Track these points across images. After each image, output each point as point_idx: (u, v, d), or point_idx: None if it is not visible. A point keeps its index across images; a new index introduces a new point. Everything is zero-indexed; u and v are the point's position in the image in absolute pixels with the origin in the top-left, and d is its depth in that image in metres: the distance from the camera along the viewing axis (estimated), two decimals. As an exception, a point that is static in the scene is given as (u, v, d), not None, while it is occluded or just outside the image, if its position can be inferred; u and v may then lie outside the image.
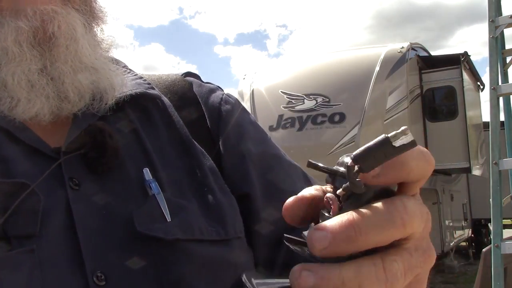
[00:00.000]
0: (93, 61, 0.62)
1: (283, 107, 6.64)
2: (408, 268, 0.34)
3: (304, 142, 6.34)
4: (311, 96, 6.57)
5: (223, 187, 0.66)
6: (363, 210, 0.33)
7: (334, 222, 0.33)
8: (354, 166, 0.35)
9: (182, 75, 0.78)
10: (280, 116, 6.59)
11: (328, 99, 6.47)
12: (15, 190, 0.52)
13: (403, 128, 0.34)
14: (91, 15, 0.66)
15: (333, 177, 0.38)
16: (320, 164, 0.38)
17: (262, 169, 0.70)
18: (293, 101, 6.65)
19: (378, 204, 0.34)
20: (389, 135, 0.34)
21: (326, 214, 0.36)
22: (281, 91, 6.75)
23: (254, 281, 0.37)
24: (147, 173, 0.61)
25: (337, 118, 6.34)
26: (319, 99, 6.52)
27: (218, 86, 0.78)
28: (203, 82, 0.77)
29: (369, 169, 0.35)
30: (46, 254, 0.51)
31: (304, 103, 6.59)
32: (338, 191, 0.36)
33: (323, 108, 6.46)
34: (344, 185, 0.36)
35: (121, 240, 0.56)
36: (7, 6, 0.58)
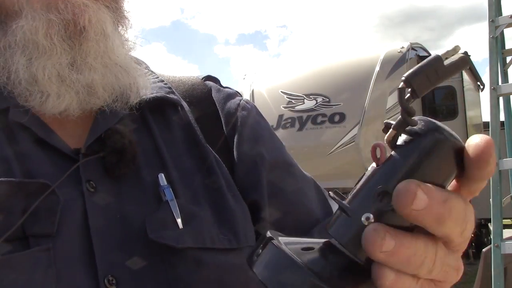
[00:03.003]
0: (122, 60, 0.62)
1: (283, 107, 6.64)
2: (438, 263, 0.35)
3: (304, 142, 6.33)
4: (311, 96, 6.56)
5: (236, 195, 0.65)
6: (454, 197, 0.33)
7: (436, 190, 0.32)
8: (406, 89, 0.33)
9: (202, 78, 0.77)
10: (280, 116, 6.59)
11: (328, 99, 6.46)
12: (36, 190, 0.52)
13: (454, 45, 0.33)
14: (120, 14, 0.65)
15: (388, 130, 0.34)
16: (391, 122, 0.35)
17: (273, 174, 0.70)
18: (293, 101, 6.64)
19: (459, 199, 0.34)
20: (440, 53, 0.33)
21: (373, 166, 0.34)
22: (281, 91, 6.75)
23: (282, 239, 0.34)
24: (162, 178, 0.60)
25: (337, 118, 6.33)
26: (319, 99, 6.51)
27: (237, 91, 0.78)
28: (222, 86, 0.77)
29: (422, 91, 0.32)
30: (61, 254, 0.52)
31: (304, 103, 6.58)
32: (386, 135, 0.34)
33: (323, 108, 6.45)
34: (394, 123, 0.33)
35: (133, 245, 0.56)
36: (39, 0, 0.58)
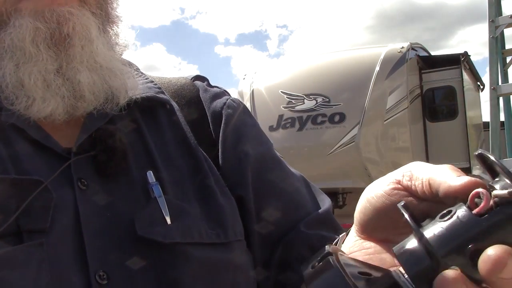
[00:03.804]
0: (108, 62, 0.64)
1: (283, 107, 6.63)
2: None
3: (304, 142, 6.33)
4: (311, 96, 6.56)
5: (224, 190, 0.67)
6: None
7: None
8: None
9: (191, 79, 0.79)
10: (280, 116, 6.58)
11: (328, 99, 6.46)
12: (29, 187, 0.54)
13: None
14: (107, 19, 0.68)
15: (495, 176, 0.33)
16: (492, 157, 0.34)
17: (260, 170, 0.71)
18: (293, 101, 6.64)
19: None
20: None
21: (464, 209, 0.32)
22: (281, 91, 6.74)
23: (342, 258, 0.33)
24: (150, 176, 0.62)
25: (337, 118, 6.33)
26: (319, 99, 6.51)
27: (225, 90, 0.79)
28: (209, 86, 0.79)
29: None
30: (53, 249, 0.53)
31: (304, 103, 6.58)
32: (496, 192, 0.32)
33: (323, 108, 6.45)
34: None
35: (123, 241, 0.57)
36: (26, 7, 0.60)
